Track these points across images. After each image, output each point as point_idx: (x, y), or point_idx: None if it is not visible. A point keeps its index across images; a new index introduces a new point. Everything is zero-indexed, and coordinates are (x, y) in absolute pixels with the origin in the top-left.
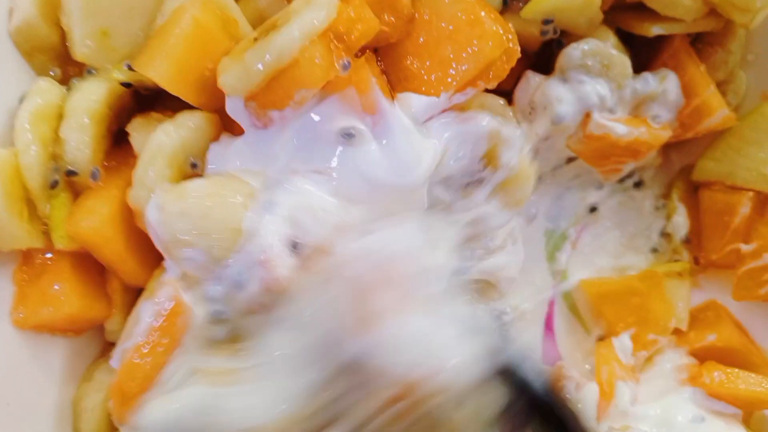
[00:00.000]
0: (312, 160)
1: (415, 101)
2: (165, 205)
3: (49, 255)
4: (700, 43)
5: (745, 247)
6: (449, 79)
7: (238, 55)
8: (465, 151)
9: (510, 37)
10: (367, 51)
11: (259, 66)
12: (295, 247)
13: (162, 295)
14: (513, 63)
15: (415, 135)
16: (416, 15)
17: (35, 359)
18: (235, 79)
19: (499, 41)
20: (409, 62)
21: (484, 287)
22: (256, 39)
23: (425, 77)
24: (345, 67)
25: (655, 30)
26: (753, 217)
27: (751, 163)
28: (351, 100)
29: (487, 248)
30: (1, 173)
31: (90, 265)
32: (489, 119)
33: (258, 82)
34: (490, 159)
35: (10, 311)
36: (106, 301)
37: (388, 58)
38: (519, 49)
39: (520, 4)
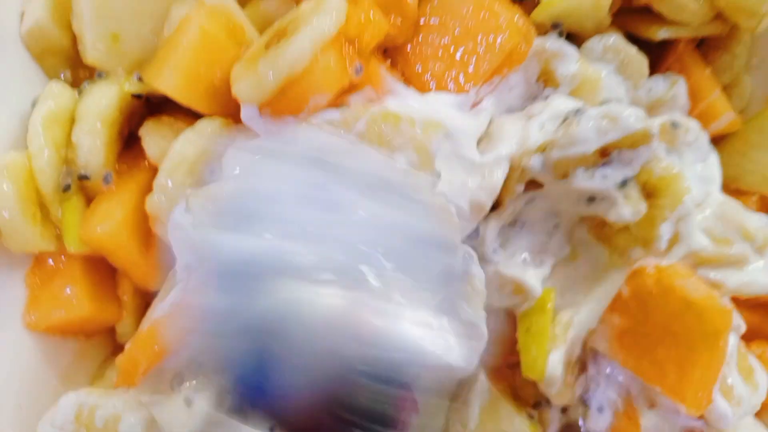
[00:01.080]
0: None
1: (445, 99)
2: (194, 207)
3: (61, 258)
4: (706, 46)
5: None
6: (473, 74)
7: (251, 63)
8: (517, 78)
9: (524, 21)
10: (375, 54)
11: (272, 75)
12: None
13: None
14: (531, 44)
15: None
16: (426, 17)
17: (47, 361)
18: (249, 88)
19: (515, 29)
20: (430, 65)
21: None
22: (267, 46)
23: (449, 76)
24: (358, 71)
25: (661, 34)
26: None
27: (756, 166)
28: (367, 97)
29: None
30: (15, 176)
31: (101, 269)
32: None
33: (272, 90)
34: (546, 78)
35: (23, 314)
36: (117, 303)
37: (404, 63)
38: (534, 30)
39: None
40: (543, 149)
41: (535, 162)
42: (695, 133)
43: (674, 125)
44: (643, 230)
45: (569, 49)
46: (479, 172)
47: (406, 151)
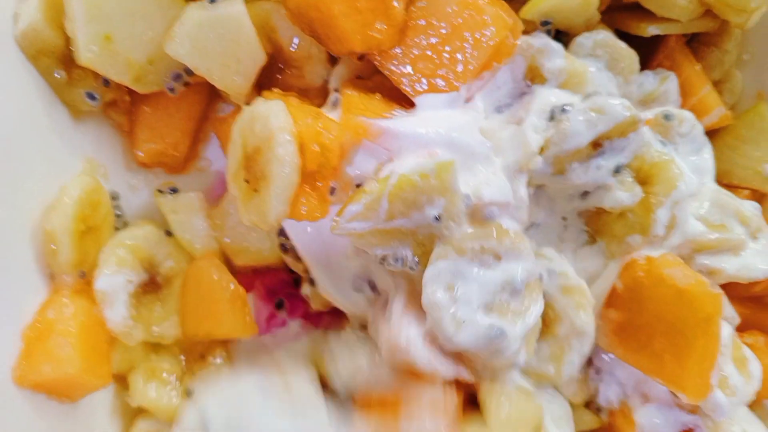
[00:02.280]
0: None
1: (433, 101)
2: None
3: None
4: (696, 42)
5: None
6: (463, 71)
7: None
8: (504, 77)
9: (510, 14)
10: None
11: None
12: None
13: None
14: (519, 36)
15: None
16: (413, 20)
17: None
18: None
19: (502, 23)
20: (420, 65)
21: None
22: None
23: (439, 75)
24: (333, 191)
25: (651, 30)
26: None
27: (748, 161)
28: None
29: None
30: None
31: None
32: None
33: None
34: (534, 75)
35: (13, 367)
36: (107, 367)
37: (393, 66)
38: (521, 22)
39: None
40: (542, 150)
41: (538, 164)
42: (689, 125)
43: (667, 117)
44: (640, 217)
45: (555, 44)
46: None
47: (436, 201)
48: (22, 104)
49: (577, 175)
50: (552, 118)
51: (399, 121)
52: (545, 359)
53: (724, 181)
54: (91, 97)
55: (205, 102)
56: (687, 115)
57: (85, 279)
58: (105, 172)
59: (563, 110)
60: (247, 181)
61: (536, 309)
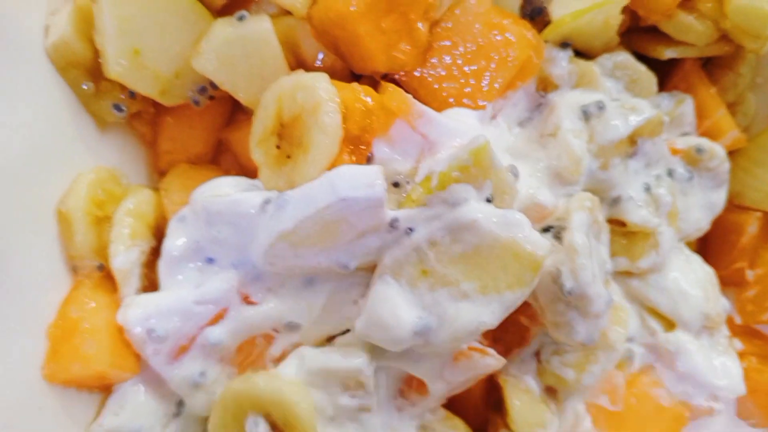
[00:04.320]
0: None
1: (461, 115)
2: None
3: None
4: (711, 65)
5: (749, 273)
6: (488, 91)
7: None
8: (519, 95)
9: (534, 34)
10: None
11: None
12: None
13: None
14: (542, 57)
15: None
16: (437, 40)
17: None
18: None
19: (525, 42)
20: (446, 85)
21: None
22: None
23: (464, 95)
24: (370, 160)
25: (668, 53)
26: (760, 239)
27: (760, 184)
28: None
29: None
30: None
31: None
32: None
33: None
34: (545, 84)
35: (41, 366)
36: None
37: (418, 86)
38: (543, 42)
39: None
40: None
41: (587, 166)
42: (718, 161)
43: (699, 150)
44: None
45: (557, 51)
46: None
47: (484, 185)
48: (50, 114)
49: (618, 171)
50: (586, 118)
51: (437, 113)
52: (569, 364)
53: (736, 202)
54: (118, 108)
55: (228, 114)
56: (719, 152)
57: (103, 272)
58: (127, 181)
59: (600, 107)
60: (278, 147)
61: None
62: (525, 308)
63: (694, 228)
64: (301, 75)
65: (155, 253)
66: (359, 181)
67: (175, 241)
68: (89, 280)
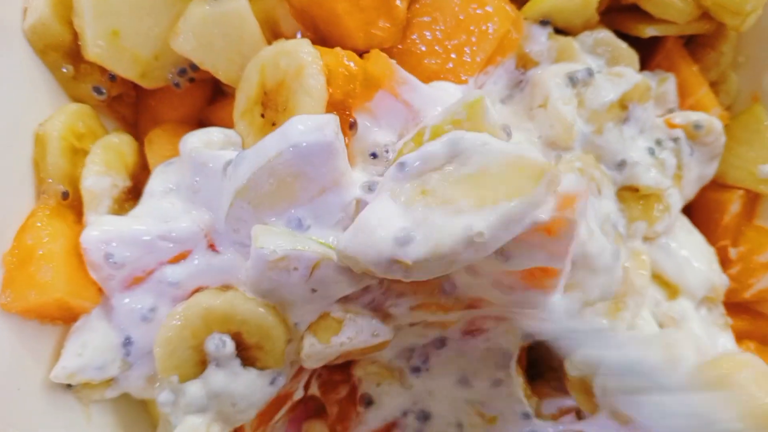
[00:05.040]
0: None
1: (450, 88)
2: None
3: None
4: (693, 44)
5: (733, 251)
6: (469, 65)
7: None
8: (499, 72)
9: (512, 7)
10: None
11: None
12: None
13: None
14: (521, 31)
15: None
16: (417, 16)
17: (26, 348)
18: None
19: (505, 15)
20: (426, 61)
21: None
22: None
23: (446, 70)
24: (353, 126)
25: (649, 31)
26: (742, 217)
27: (742, 162)
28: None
29: None
30: None
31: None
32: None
33: None
34: (524, 62)
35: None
36: (95, 288)
37: (399, 63)
38: (522, 17)
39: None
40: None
41: (580, 130)
42: (715, 135)
43: (697, 126)
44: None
45: (536, 28)
46: None
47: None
48: (29, 97)
49: (614, 136)
50: (573, 84)
51: (421, 81)
52: (600, 313)
53: (719, 181)
54: (98, 91)
55: (208, 97)
56: (716, 126)
57: (67, 201)
58: None
59: (590, 73)
60: (262, 116)
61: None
62: None
63: (686, 199)
64: (283, 42)
65: (127, 195)
66: (308, 126)
67: (157, 182)
68: (47, 207)
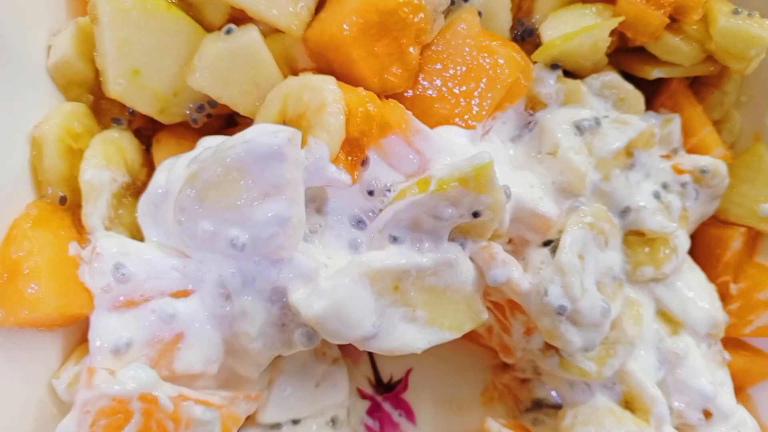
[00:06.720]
0: None
1: (458, 133)
2: None
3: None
4: (697, 83)
5: (733, 287)
6: (478, 112)
7: None
8: (508, 114)
9: (522, 56)
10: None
11: None
12: None
13: None
14: (530, 78)
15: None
16: (429, 63)
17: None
18: None
19: (514, 63)
20: (437, 107)
21: None
22: None
23: (455, 115)
24: (365, 163)
25: (655, 73)
26: (743, 254)
27: (744, 200)
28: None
29: None
30: None
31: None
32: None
33: None
34: (533, 103)
35: None
36: (86, 294)
37: (410, 107)
38: (531, 64)
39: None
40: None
41: (590, 179)
42: (720, 179)
43: (703, 171)
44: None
45: (546, 72)
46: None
47: (482, 199)
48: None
49: (620, 182)
50: (580, 132)
51: (432, 131)
52: (590, 358)
53: (721, 217)
54: (118, 122)
55: (222, 127)
56: (722, 169)
57: (65, 206)
58: None
59: (597, 122)
60: None
61: (620, 304)
62: None
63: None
64: (309, 76)
65: (126, 191)
66: (266, 129)
67: (161, 178)
68: (29, 217)
